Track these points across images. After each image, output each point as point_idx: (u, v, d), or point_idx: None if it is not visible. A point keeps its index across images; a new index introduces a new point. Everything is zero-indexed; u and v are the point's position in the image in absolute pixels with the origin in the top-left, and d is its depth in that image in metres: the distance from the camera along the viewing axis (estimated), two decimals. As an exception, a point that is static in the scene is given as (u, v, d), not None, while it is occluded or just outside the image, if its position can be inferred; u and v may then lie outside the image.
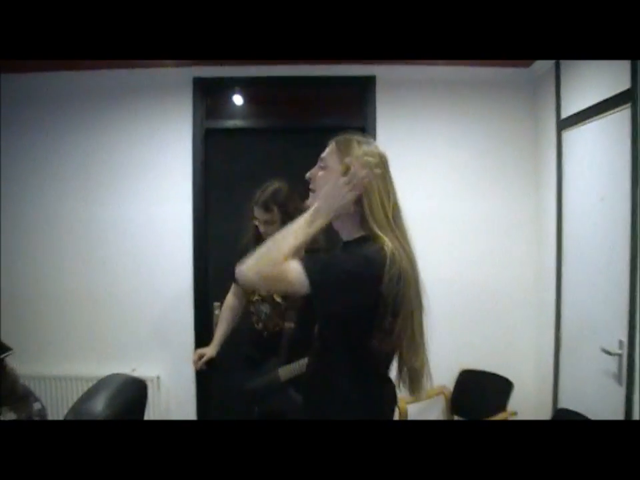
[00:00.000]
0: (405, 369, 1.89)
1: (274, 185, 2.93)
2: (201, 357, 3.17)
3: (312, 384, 1.97)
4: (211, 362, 3.20)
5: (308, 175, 1.90)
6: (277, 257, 1.67)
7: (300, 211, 1.98)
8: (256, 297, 3.05)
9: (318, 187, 1.86)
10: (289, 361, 2.87)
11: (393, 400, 1.99)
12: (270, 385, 2.94)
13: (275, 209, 2.89)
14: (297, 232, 1.75)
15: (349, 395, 1.83)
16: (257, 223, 2.97)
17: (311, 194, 1.89)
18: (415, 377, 1.89)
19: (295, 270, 1.66)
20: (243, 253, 3.10)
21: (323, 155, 1.89)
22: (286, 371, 2.89)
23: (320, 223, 1.77)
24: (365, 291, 1.71)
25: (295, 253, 1.72)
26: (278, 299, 2.99)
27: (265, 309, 3.01)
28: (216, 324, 3.98)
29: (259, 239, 3.02)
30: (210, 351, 3.18)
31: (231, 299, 3.30)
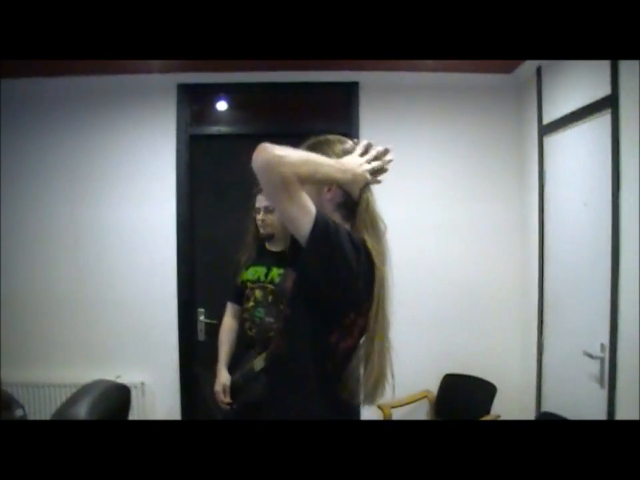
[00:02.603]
0: (365, 372, 1.85)
1: None
2: (224, 390, 3.01)
3: (273, 364, 1.95)
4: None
5: None
6: (299, 166, 1.61)
7: None
8: (251, 304, 3.03)
9: None
10: (263, 351, 2.87)
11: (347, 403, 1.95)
12: (246, 376, 2.94)
13: None
14: (326, 163, 1.71)
15: (307, 383, 1.78)
16: (255, 214, 2.99)
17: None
18: (372, 383, 1.88)
19: (310, 206, 1.61)
20: (246, 249, 3.10)
21: None
22: (260, 360, 2.89)
23: (341, 176, 1.74)
24: (349, 273, 1.68)
25: (308, 178, 1.65)
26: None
27: (259, 313, 2.98)
28: (200, 330, 4.01)
29: (260, 234, 3.02)
30: (224, 379, 3.03)
31: (228, 320, 3.19)
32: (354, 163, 1.79)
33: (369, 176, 1.81)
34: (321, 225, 1.61)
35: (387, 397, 1.93)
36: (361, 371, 1.86)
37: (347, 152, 1.84)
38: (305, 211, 1.61)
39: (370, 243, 1.75)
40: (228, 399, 2.99)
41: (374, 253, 1.74)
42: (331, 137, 1.90)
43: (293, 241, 1.78)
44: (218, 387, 3.02)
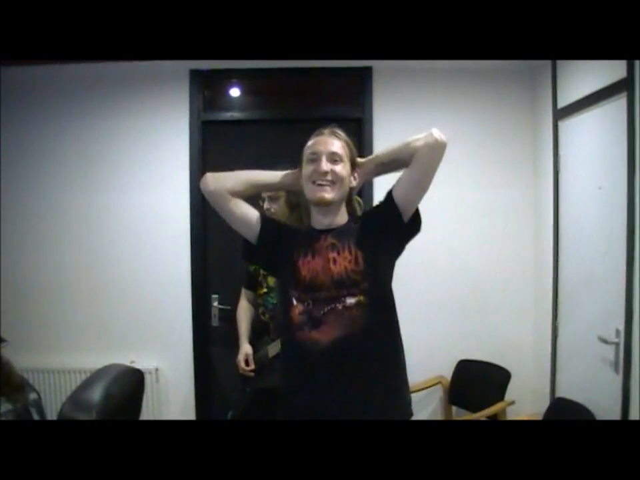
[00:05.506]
0: None
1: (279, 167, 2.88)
2: (247, 360, 3.05)
3: (342, 352, 1.96)
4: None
5: (326, 168, 2.03)
6: None
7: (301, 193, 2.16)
8: (264, 290, 3.04)
9: (339, 179, 2.06)
10: (277, 337, 2.88)
11: None
12: (259, 362, 2.95)
13: None
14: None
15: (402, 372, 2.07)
16: (262, 203, 2.98)
17: (327, 187, 2.05)
18: None
19: None
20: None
21: (335, 149, 2.08)
22: (273, 347, 2.90)
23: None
24: None
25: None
26: None
27: (272, 299, 2.99)
28: (214, 316, 4.02)
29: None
30: (246, 349, 3.07)
31: (244, 303, 3.23)
32: None
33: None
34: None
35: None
36: None
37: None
38: None
39: None
40: (252, 366, 3.01)
41: None
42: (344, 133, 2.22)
43: (363, 220, 2.18)
44: (240, 357, 3.04)
